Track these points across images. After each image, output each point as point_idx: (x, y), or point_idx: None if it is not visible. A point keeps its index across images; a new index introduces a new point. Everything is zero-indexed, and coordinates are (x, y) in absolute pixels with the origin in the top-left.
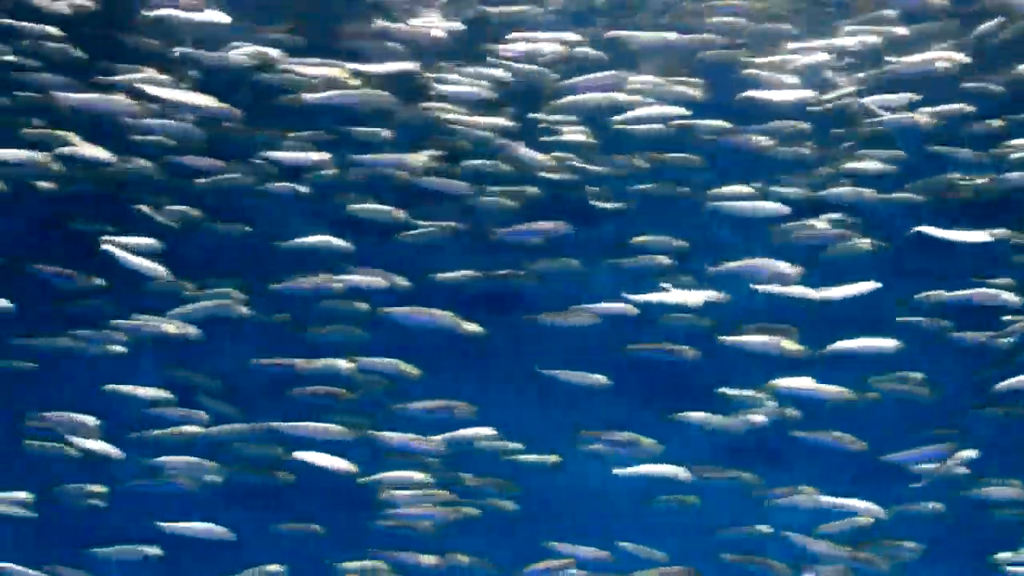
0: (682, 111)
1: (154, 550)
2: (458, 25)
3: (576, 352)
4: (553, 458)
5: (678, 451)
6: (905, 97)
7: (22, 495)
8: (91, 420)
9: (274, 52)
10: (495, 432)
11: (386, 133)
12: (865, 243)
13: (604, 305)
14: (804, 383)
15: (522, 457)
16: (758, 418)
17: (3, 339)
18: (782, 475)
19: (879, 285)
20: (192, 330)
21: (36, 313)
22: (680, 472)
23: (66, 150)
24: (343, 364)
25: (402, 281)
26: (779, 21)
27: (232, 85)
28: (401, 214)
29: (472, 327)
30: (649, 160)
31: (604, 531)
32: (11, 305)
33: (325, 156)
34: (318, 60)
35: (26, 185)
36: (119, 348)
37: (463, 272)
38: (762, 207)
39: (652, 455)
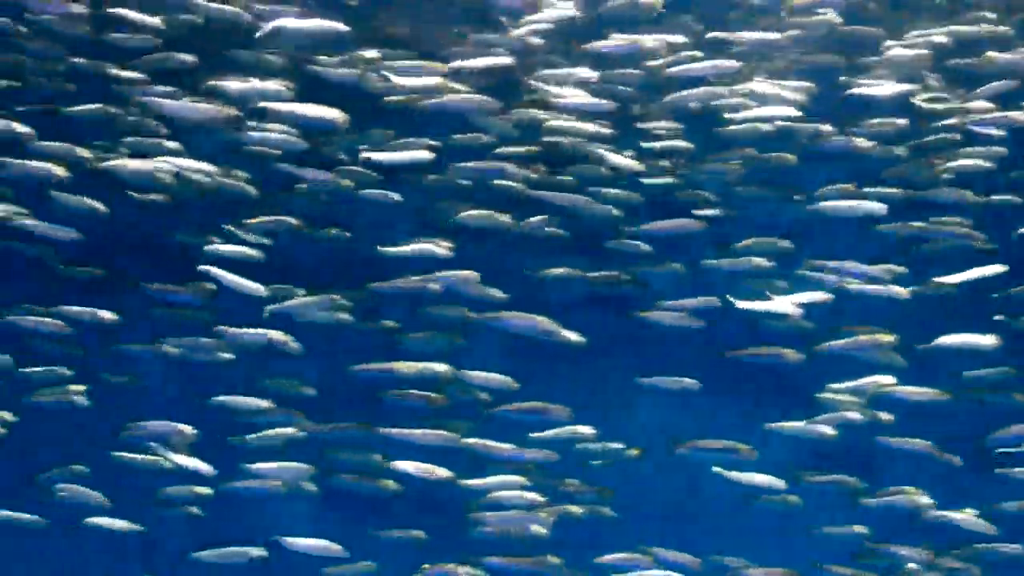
0: (790, 111)
1: (259, 551)
2: (569, 12)
3: (673, 354)
4: (634, 451)
5: (774, 453)
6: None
7: (98, 496)
8: (188, 429)
9: (373, 52)
10: (594, 431)
11: (486, 138)
12: (970, 241)
13: (689, 301)
14: (896, 385)
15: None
16: (853, 415)
17: (107, 347)
18: (873, 478)
19: (1005, 268)
20: (293, 343)
21: (137, 321)
22: (776, 482)
23: (168, 160)
24: (441, 368)
25: (498, 293)
26: (875, 19)
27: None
28: (506, 219)
29: (572, 335)
30: (748, 161)
31: (703, 534)
32: (116, 316)
33: (428, 154)
34: (416, 63)
35: (130, 196)
36: (226, 355)
37: (564, 269)
38: (860, 206)
39: (749, 461)
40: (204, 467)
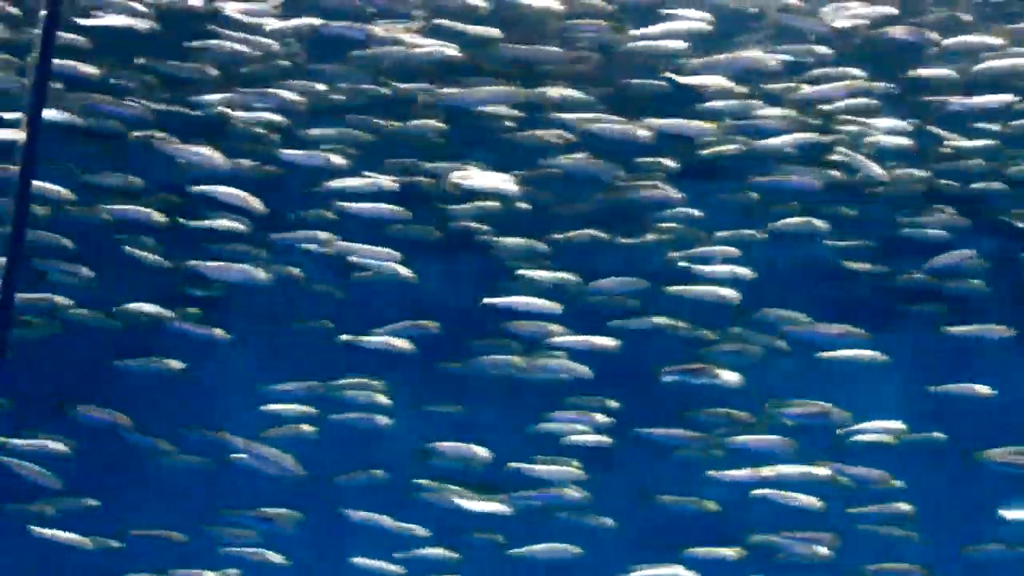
0: None
1: (575, 549)
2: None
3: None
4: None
5: None
6: None
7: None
8: (482, 451)
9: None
10: (905, 427)
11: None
12: None
13: None
14: None
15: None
16: None
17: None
18: None
19: None
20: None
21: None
22: None
23: (461, 177)
24: (733, 378)
25: (803, 318)
26: None
27: None
28: (819, 224)
29: (874, 354)
30: None
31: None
32: (437, 326)
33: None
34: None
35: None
36: (564, 376)
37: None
38: None
39: None
40: (499, 506)
